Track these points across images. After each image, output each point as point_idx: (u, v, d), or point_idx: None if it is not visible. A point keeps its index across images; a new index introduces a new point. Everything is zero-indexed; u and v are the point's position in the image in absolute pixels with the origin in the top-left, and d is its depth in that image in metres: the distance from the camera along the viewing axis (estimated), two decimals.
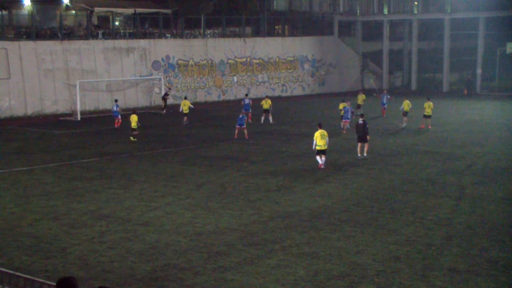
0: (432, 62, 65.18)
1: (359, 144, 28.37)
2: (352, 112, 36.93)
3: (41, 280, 9.63)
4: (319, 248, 16.21)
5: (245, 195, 22.01)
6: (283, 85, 61.45)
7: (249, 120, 38.98)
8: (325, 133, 26.09)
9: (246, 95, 46.33)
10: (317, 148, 26.07)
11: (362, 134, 28.14)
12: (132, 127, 34.84)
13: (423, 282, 13.88)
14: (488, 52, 61.02)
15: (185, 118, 40.64)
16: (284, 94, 60.63)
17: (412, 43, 64.61)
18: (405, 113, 37.13)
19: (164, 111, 47.37)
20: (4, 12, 52.14)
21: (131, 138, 34.44)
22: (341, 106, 37.75)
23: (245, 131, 34.03)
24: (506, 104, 49.12)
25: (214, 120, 41.65)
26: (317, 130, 26.46)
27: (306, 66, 63.54)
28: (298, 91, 62.45)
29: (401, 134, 36.07)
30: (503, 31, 62.48)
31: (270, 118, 40.54)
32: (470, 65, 63.34)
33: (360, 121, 28.52)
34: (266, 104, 40.45)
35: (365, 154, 28.35)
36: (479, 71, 60.79)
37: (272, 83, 60.40)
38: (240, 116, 34.47)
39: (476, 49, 60.92)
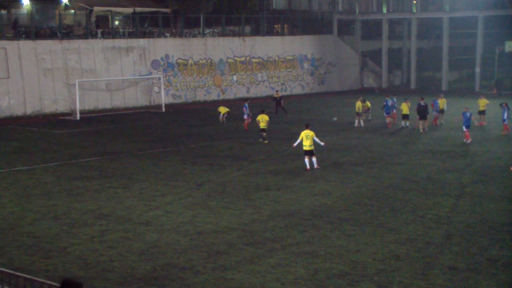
0: (431, 61, 65.15)
1: (421, 122, 35.74)
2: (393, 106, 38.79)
3: (41, 280, 9.63)
4: (319, 246, 16.21)
5: (245, 194, 22.02)
6: (282, 84, 61.43)
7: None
8: (310, 133, 25.97)
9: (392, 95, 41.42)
10: (303, 148, 26.14)
11: (423, 113, 35.60)
12: (262, 127, 32.38)
13: (423, 281, 13.89)
14: (487, 51, 61.03)
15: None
16: (283, 93, 60.59)
17: (411, 42, 64.63)
18: (480, 112, 38.35)
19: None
20: (3, 12, 52.13)
21: (263, 140, 32.40)
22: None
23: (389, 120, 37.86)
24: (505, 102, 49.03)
25: (214, 119, 41.63)
26: (303, 130, 26.45)
27: (306, 65, 63.54)
28: (297, 90, 62.46)
29: (401, 133, 36.11)
30: (502, 30, 62.45)
31: (362, 122, 38.58)
32: (469, 63, 63.35)
33: (423, 103, 35.57)
34: (359, 108, 38.41)
35: (426, 129, 35.60)
36: (477, 69, 60.81)
37: (272, 82, 60.39)
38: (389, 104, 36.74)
39: (475, 48, 60.96)
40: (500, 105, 34.96)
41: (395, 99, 39.17)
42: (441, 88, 60.71)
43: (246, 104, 38.21)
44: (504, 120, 34.54)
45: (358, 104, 38.49)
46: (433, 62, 64.31)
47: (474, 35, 61.38)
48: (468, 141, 31.89)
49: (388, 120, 38.28)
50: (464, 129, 32.25)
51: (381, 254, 15.61)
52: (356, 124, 38.54)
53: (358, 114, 38.48)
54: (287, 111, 44.29)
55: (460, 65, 65.52)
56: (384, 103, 38.50)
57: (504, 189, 22.53)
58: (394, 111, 38.86)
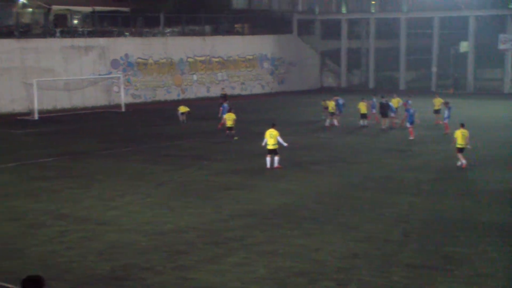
0: (389, 60, 66.03)
1: (382, 119, 37.16)
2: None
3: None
4: (279, 245, 16.33)
5: (206, 193, 22.03)
6: (242, 83, 61.52)
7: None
8: (274, 132, 26.18)
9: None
10: (267, 147, 26.30)
11: (384, 110, 36.87)
12: (229, 125, 33.21)
13: (381, 278, 14.12)
14: (442, 51, 62.18)
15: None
16: (243, 93, 60.74)
17: (370, 42, 65.43)
18: (436, 111, 39.07)
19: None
20: None
21: (232, 138, 33.07)
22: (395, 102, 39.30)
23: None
24: (459, 101, 49.93)
25: (174, 118, 41.45)
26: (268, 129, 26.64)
27: (266, 64, 63.72)
28: (257, 90, 62.60)
29: (361, 132, 36.52)
30: (456, 31, 63.76)
31: (335, 121, 38.67)
32: (426, 63, 64.41)
33: (384, 101, 37.24)
34: (332, 107, 38.69)
35: (384, 126, 36.74)
36: (434, 69, 61.86)
37: (232, 82, 60.42)
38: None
39: (431, 48, 62.02)
40: (444, 104, 36.15)
41: (341, 101, 39.52)
42: (398, 87, 61.53)
43: (225, 105, 38.12)
44: (444, 119, 35.31)
45: (332, 103, 38.85)
46: (391, 61, 65.20)
47: (430, 36, 62.44)
48: (411, 138, 32.84)
49: (336, 119, 38.84)
50: (408, 125, 33.50)
51: (341, 252, 15.81)
52: (327, 123, 38.75)
53: (331, 113, 38.78)
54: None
55: (417, 65, 66.56)
56: (335, 103, 38.94)
57: (460, 186, 23.00)
58: (373, 111, 39.46)
